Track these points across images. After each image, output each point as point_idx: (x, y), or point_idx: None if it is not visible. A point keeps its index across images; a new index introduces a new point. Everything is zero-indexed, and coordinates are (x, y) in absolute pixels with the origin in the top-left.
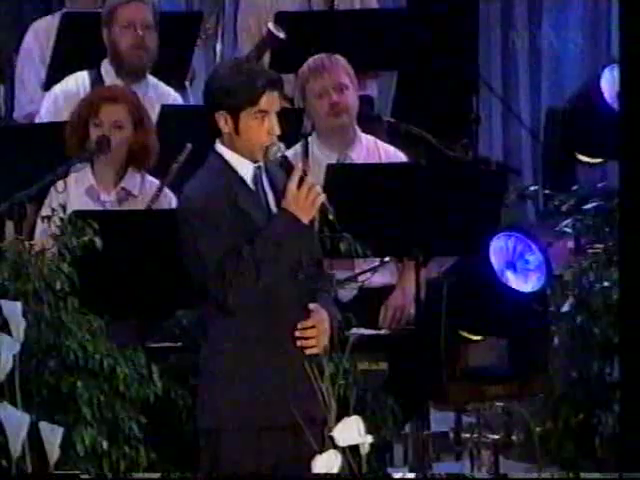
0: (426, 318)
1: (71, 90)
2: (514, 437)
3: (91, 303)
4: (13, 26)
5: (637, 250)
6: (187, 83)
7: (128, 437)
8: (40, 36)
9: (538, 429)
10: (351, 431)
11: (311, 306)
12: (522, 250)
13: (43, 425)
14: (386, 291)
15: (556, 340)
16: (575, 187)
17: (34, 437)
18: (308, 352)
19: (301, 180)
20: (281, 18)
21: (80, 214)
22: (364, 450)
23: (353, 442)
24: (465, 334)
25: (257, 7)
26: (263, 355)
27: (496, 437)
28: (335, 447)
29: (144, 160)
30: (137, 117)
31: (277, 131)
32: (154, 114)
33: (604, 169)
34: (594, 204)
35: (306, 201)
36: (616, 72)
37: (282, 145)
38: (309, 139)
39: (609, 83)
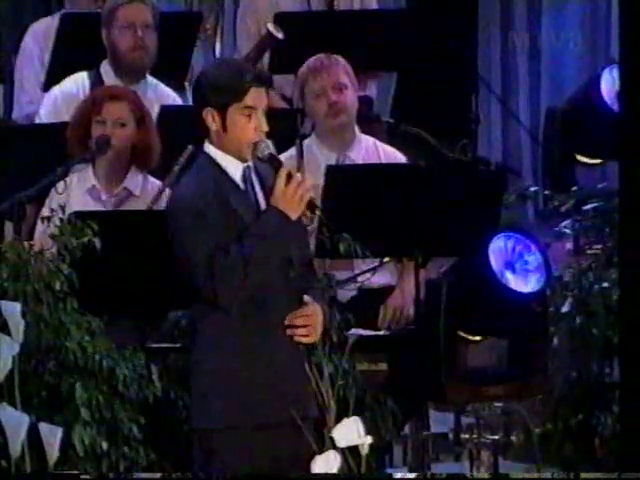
0: (425, 319)
1: (70, 91)
2: (513, 437)
3: (90, 304)
4: (13, 26)
5: (636, 251)
6: (187, 83)
7: (127, 437)
8: (39, 37)
9: (537, 429)
10: (350, 432)
11: (305, 298)
12: (521, 251)
13: (42, 425)
14: (385, 292)
15: (555, 341)
16: (574, 188)
17: (33, 437)
18: (297, 340)
19: (289, 177)
20: (280, 18)
21: (79, 215)
22: (363, 451)
23: (352, 443)
24: (464, 335)
25: (256, 7)
26: (253, 354)
27: (495, 438)
28: (335, 448)
29: (147, 160)
30: (139, 115)
31: (265, 128)
32: (154, 115)
33: (603, 170)
34: (593, 205)
35: (294, 198)
36: (615, 73)
37: (270, 142)
38: (308, 139)
39: (608, 84)
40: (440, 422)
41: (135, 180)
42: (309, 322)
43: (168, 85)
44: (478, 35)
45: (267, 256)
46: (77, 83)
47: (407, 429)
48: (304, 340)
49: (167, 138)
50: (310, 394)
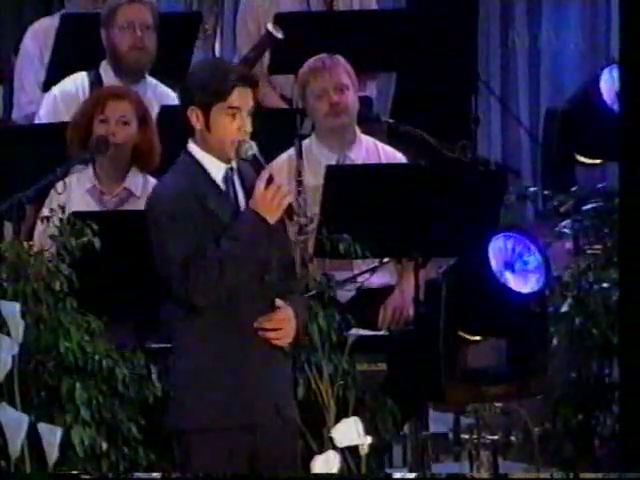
0: (425, 319)
1: (70, 91)
2: (513, 438)
3: (90, 304)
4: (13, 26)
5: (636, 251)
6: None
7: (127, 438)
8: (39, 37)
9: (537, 430)
10: (350, 432)
11: (277, 302)
12: (521, 251)
13: (42, 426)
14: (385, 292)
15: (555, 341)
16: (574, 188)
17: (33, 438)
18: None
19: (270, 180)
20: (280, 19)
21: (79, 215)
22: (363, 451)
23: (352, 443)
24: (464, 335)
25: (256, 8)
26: (228, 355)
27: (495, 438)
28: (334, 448)
29: (147, 160)
30: (141, 115)
31: (248, 128)
32: (153, 115)
33: (603, 170)
34: (593, 205)
35: (272, 202)
36: (615, 73)
37: (254, 143)
38: (308, 140)
39: (608, 84)
40: (440, 422)
41: (135, 180)
42: (279, 326)
43: (168, 85)
44: (478, 35)
45: (243, 259)
46: (77, 83)
47: (407, 429)
48: (276, 343)
49: (167, 138)
50: (290, 395)
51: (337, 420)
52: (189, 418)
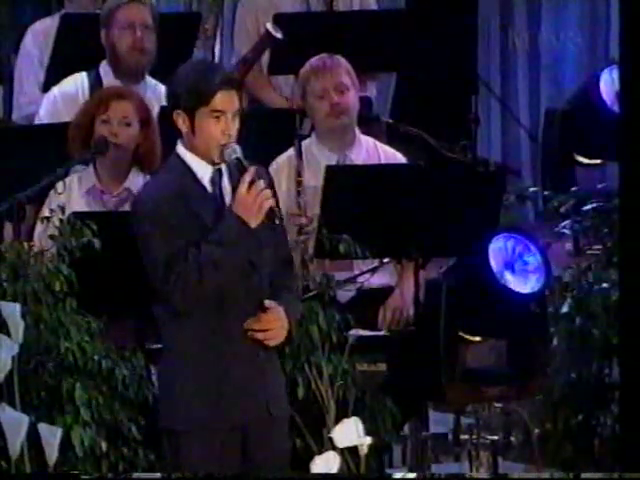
0: (425, 319)
1: (70, 91)
2: (513, 438)
3: (90, 304)
4: (12, 27)
5: (636, 251)
6: None
7: (127, 438)
8: (39, 37)
9: (537, 430)
10: (350, 432)
11: (266, 302)
12: (521, 251)
13: (42, 426)
14: (385, 292)
15: (555, 341)
16: (574, 188)
17: (33, 438)
18: (260, 345)
19: (252, 183)
20: (279, 19)
21: (79, 215)
22: (363, 451)
23: (352, 443)
24: (464, 335)
25: (255, 8)
26: (214, 356)
27: (495, 438)
28: (334, 448)
29: (149, 161)
30: (144, 116)
31: (233, 131)
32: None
33: (603, 170)
34: (593, 205)
35: (254, 205)
36: (615, 73)
37: (237, 147)
38: (308, 140)
39: (608, 84)
40: (440, 423)
41: (136, 180)
42: (268, 327)
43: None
44: (478, 35)
45: (223, 262)
46: (77, 83)
47: (407, 429)
48: (266, 344)
49: (166, 138)
50: (280, 394)
51: (337, 420)
52: (178, 418)
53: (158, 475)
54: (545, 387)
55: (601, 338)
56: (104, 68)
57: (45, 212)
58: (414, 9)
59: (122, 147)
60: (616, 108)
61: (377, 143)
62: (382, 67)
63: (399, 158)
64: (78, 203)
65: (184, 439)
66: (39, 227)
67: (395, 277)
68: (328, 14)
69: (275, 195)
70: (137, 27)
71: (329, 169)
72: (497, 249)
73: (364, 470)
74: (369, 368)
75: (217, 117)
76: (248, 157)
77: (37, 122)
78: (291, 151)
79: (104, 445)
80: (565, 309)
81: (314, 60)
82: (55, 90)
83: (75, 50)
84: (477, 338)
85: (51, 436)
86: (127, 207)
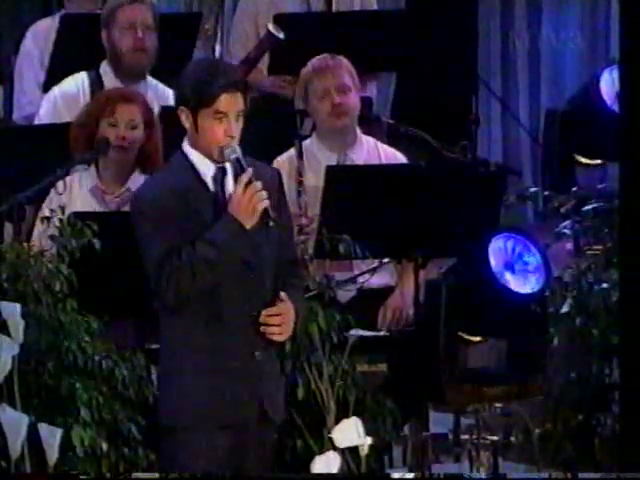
0: (425, 319)
1: (70, 91)
2: (513, 438)
3: (90, 304)
4: (13, 27)
5: (636, 251)
6: None
7: (127, 438)
8: (39, 37)
9: (537, 430)
10: (350, 432)
11: (282, 295)
12: (521, 251)
13: (42, 426)
14: (385, 292)
15: (555, 341)
16: (574, 188)
17: (33, 438)
18: (270, 338)
19: (248, 184)
20: (280, 19)
21: (79, 215)
22: (363, 451)
23: (352, 443)
24: (464, 335)
25: (255, 8)
26: (211, 353)
27: (495, 438)
28: (334, 448)
29: (152, 161)
30: (148, 118)
31: (235, 132)
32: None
33: (603, 170)
34: (593, 205)
35: (248, 206)
36: (615, 74)
37: (237, 147)
38: (309, 140)
39: (608, 85)
40: (440, 423)
41: (138, 182)
42: (282, 321)
43: (168, 85)
44: (478, 35)
45: (217, 262)
46: (77, 83)
47: (407, 430)
48: (276, 339)
49: (167, 138)
50: (277, 397)
51: (337, 421)
52: (173, 416)
53: (158, 475)
54: (545, 387)
55: (601, 338)
56: (105, 68)
57: (45, 212)
58: (414, 9)
59: (128, 150)
60: (616, 108)
61: (378, 143)
62: (382, 67)
63: (400, 158)
64: (79, 203)
65: (179, 436)
66: (39, 227)
67: (395, 277)
68: (328, 14)
69: (284, 196)
70: (138, 27)
71: (329, 169)
72: (497, 249)
73: (364, 470)
74: (369, 368)
75: (220, 118)
76: (257, 157)
77: (37, 122)
78: (291, 151)
79: (104, 445)
80: (565, 309)
81: (316, 60)
82: (55, 90)
83: (75, 50)
84: (477, 338)
85: (51, 436)
86: (128, 208)
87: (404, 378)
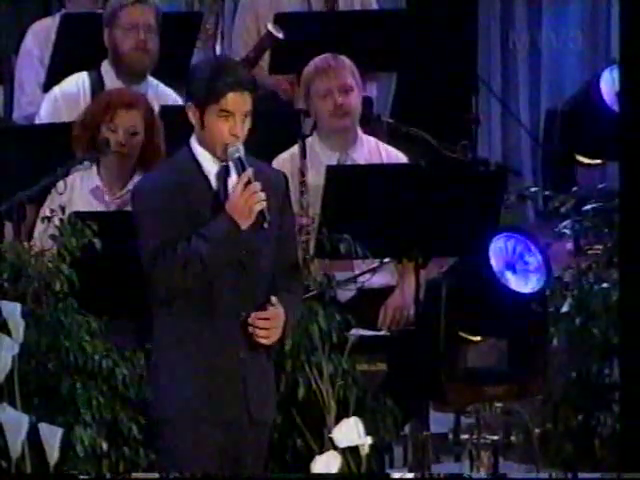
0: (425, 319)
1: (71, 91)
2: (513, 438)
3: (90, 304)
4: (13, 27)
5: (637, 251)
6: None
7: (127, 438)
8: (40, 37)
9: (537, 430)
10: (351, 432)
11: (273, 299)
12: (522, 251)
13: (42, 426)
14: (385, 292)
15: (555, 341)
16: (575, 188)
17: (33, 438)
18: (257, 341)
19: (247, 184)
20: (280, 19)
21: (79, 215)
22: (363, 451)
23: (352, 443)
24: (464, 335)
25: (256, 8)
26: (200, 351)
27: (495, 438)
28: (335, 448)
29: (154, 163)
30: (149, 122)
31: (240, 132)
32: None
33: (603, 170)
34: (593, 205)
35: (245, 206)
36: (615, 73)
37: (241, 147)
38: (310, 139)
39: (608, 84)
40: (440, 422)
41: None
42: (271, 325)
43: (168, 85)
44: (478, 35)
45: (211, 258)
46: (78, 83)
47: (407, 429)
48: (262, 342)
49: (167, 138)
50: (264, 398)
51: (337, 420)
52: (160, 408)
53: (157, 475)
54: (545, 387)
55: (601, 338)
56: (106, 68)
57: (46, 212)
58: (414, 9)
59: (127, 155)
60: (616, 108)
61: (379, 143)
62: (382, 67)
63: (401, 158)
64: (81, 203)
65: (166, 429)
66: (40, 227)
67: (395, 277)
68: (329, 14)
69: (289, 200)
70: (140, 28)
71: (329, 169)
72: (498, 249)
73: (364, 470)
74: (369, 368)
75: (226, 117)
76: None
77: (38, 122)
78: (292, 150)
79: (104, 445)
80: (565, 309)
81: (319, 60)
82: (56, 90)
83: (75, 50)
84: (477, 338)
85: (52, 436)
86: (129, 208)
87: (404, 378)
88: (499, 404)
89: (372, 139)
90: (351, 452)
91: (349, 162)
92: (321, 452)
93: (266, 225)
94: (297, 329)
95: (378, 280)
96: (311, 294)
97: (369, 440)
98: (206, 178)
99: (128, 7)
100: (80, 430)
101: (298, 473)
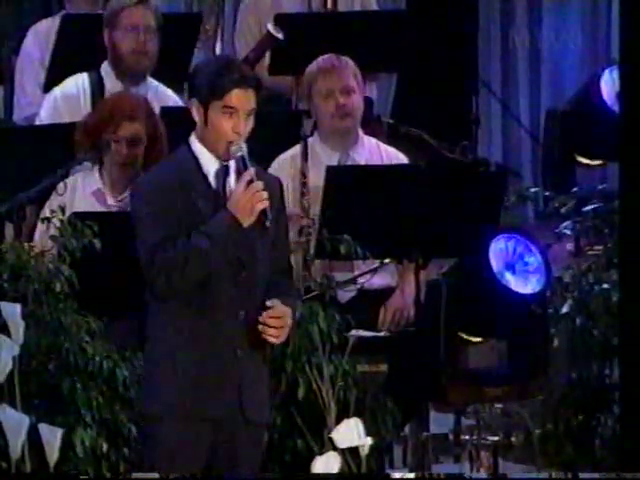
0: (426, 320)
1: (71, 92)
2: (513, 439)
3: (90, 305)
4: (13, 27)
5: (637, 252)
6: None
7: (127, 439)
8: (40, 38)
9: (538, 431)
10: (351, 433)
11: (268, 303)
12: (522, 252)
13: (43, 427)
14: (386, 293)
15: (555, 342)
16: (575, 189)
17: (34, 438)
18: (265, 340)
19: (250, 183)
20: (280, 19)
21: (79, 216)
22: (364, 452)
23: (353, 444)
24: (465, 336)
25: (257, 8)
26: (194, 347)
27: (495, 439)
28: (335, 449)
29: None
30: (152, 131)
31: (243, 130)
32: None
33: (604, 171)
34: (594, 206)
35: (246, 205)
36: (615, 74)
37: (244, 146)
38: (311, 139)
39: (609, 85)
40: (440, 423)
41: None
42: (282, 324)
43: (168, 86)
44: (478, 35)
45: (210, 256)
46: (77, 84)
47: (407, 430)
48: (271, 340)
49: (168, 140)
50: (258, 399)
51: (338, 421)
52: (157, 404)
53: (157, 475)
54: (546, 387)
55: (601, 338)
56: (106, 69)
57: (46, 213)
58: (414, 9)
59: (130, 164)
60: (616, 108)
61: (379, 143)
62: (382, 67)
63: (401, 158)
64: (82, 205)
65: (156, 424)
66: (40, 228)
67: (396, 278)
68: (329, 14)
69: (283, 206)
70: (141, 30)
71: (330, 169)
72: (498, 249)
73: (364, 470)
74: (370, 369)
75: (229, 114)
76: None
77: (38, 123)
78: (293, 150)
79: (105, 445)
80: (565, 309)
81: (322, 60)
82: (56, 91)
83: (75, 51)
84: (477, 338)
85: (52, 436)
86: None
87: (404, 378)
88: (499, 405)
89: (373, 140)
90: (351, 452)
91: (350, 162)
92: (321, 452)
93: (268, 224)
94: (297, 330)
95: (378, 281)
96: (311, 295)
97: (369, 440)
98: (205, 177)
99: (128, 8)
100: (80, 431)
101: (298, 473)
